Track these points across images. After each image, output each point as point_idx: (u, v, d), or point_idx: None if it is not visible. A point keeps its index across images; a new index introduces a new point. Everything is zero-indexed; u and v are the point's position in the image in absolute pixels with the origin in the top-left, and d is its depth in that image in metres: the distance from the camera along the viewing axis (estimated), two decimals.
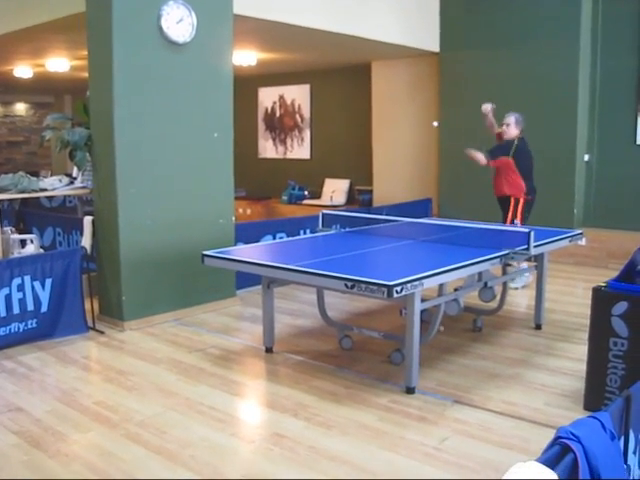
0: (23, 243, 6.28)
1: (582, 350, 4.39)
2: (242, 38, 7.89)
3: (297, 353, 5.17)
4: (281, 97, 13.03)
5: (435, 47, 9.71)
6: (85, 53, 5.91)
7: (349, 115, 11.93)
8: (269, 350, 5.17)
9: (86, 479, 3.26)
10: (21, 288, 5.22)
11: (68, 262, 5.53)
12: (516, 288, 7.06)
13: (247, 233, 7.03)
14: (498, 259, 4.79)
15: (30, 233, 7.03)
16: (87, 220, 5.99)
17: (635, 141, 8.59)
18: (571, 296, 7.00)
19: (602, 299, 3.91)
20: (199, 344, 5.42)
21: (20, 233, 6.75)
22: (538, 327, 5.75)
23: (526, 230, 4.98)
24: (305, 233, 7.66)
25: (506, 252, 4.83)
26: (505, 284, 5.84)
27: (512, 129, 6.96)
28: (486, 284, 5.36)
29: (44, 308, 5.39)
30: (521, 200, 7.00)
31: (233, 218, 6.59)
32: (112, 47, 5.48)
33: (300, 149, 12.78)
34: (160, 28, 5.72)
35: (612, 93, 8.77)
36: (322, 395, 4.32)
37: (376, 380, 4.58)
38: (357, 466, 3.39)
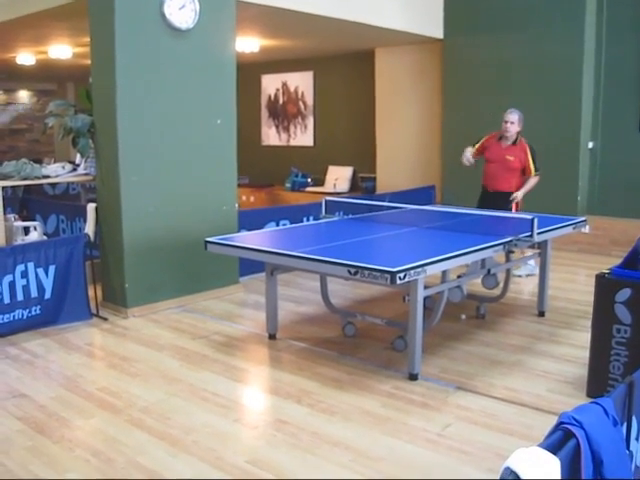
0: (26, 230, 6.29)
1: (585, 337, 4.39)
2: (245, 25, 7.86)
3: (300, 340, 5.18)
4: (284, 84, 12.99)
5: (439, 33, 9.66)
6: (88, 40, 5.90)
7: (352, 102, 11.89)
8: (272, 337, 5.18)
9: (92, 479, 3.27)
10: (25, 275, 5.24)
11: (71, 249, 5.54)
12: (520, 276, 7.06)
13: (250, 220, 7.03)
14: (501, 246, 4.78)
15: (33, 220, 7.04)
16: (90, 207, 5.99)
17: (639, 128, 8.55)
18: (574, 283, 6.99)
19: (605, 286, 3.90)
20: (202, 331, 5.43)
21: (23, 220, 6.76)
22: (541, 314, 5.75)
23: (529, 217, 4.97)
24: (308, 220, 7.65)
25: (509, 239, 4.83)
26: (508, 271, 5.84)
27: (515, 127, 6.87)
28: (489, 271, 5.35)
29: (48, 295, 5.40)
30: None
31: (236, 205, 6.59)
32: (114, 34, 5.46)
33: (303, 136, 12.75)
34: (163, 14, 5.70)
35: (617, 79, 8.73)
36: (325, 381, 4.33)
37: (379, 367, 4.59)
38: (360, 452, 3.40)
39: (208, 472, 3.22)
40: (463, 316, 5.63)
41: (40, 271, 5.33)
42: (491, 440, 3.51)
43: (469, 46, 9.46)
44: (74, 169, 6.42)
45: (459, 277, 5.14)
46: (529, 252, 6.31)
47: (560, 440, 1.97)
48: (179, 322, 5.67)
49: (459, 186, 9.64)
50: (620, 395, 2.39)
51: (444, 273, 4.73)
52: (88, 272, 5.75)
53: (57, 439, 3.55)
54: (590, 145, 8.93)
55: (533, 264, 7.01)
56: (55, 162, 7.02)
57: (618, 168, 8.72)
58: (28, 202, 8.28)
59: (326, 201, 6.01)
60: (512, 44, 9.04)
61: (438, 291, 4.74)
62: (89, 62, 5.90)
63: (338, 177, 11.79)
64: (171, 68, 5.87)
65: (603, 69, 8.81)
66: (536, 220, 4.90)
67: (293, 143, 12.94)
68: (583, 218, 6.10)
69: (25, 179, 6.04)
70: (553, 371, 4.49)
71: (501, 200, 6.87)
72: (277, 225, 7.45)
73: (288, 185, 12.03)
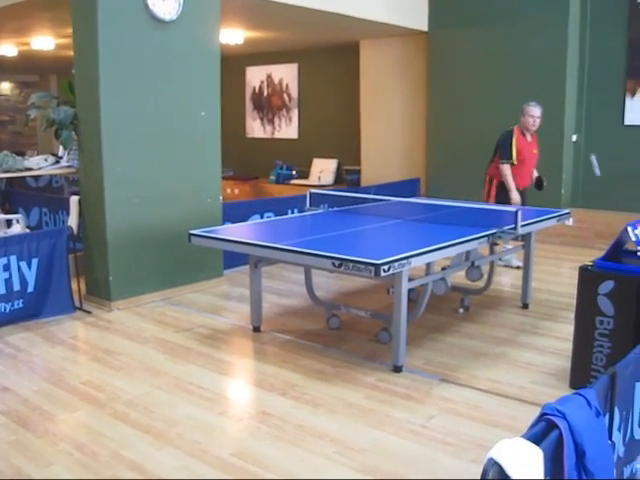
0: (9, 223, 6.25)
1: (568, 329, 4.42)
2: (229, 16, 7.82)
3: (285, 332, 5.18)
4: (269, 76, 12.96)
5: (423, 26, 9.66)
6: (70, 31, 5.85)
7: (337, 95, 11.88)
8: (257, 329, 5.17)
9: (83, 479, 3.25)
10: (7, 268, 5.20)
11: (54, 242, 5.50)
12: (518, 267, 6.88)
13: (235, 212, 7.01)
14: (485, 238, 4.80)
15: (16, 213, 6.99)
16: (73, 200, 5.95)
17: (623, 121, 8.60)
18: (558, 276, 7.03)
19: (588, 278, 3.93)
20: (187, 324, 5.42)
21: (6, 213, 6.73)
22: (525, 306, 5.78)
23: (513, 210, 4.99)
24: (293, 213, 7.64)
25: (493, 231, 4.84)
26: (492, 263, 5.86)
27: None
28: (473, 263, 5.37)
29: (30, 288, 5.37)
30: None
31: (220, 197, 6.56)
32: (97, 25, 5.41)
33: (288, 129, 12.73)
34: (146, 5, 5.66)
35: (601, 73, 8.77)
36: (309, 374, 4.33)
37: (363, 359, 4.60)
38: (344, 444, 3.40)
39: (193, 465, 3.21)
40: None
41: (23, 264, 5.30)
42: (475, 431, 3.52)
43: (454, 39, 9.47)
44: (57, 161, 6.37)
45: (443, 269, 5.16)
46: (509, 244, 6.33)
47: (543, 431, 1.98)
48: (163, 315, 5.65)
49: (444, 178, 9.67)
50: (603, 386, 2.40)
51: (428, 265, 4.73)
52: (71, 265, 5.72)
53: (40, 433, 3.54)
54: (574, 138, 8.96)
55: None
56: (38, 154, 6.97)
57: (602, 161, 8.75)
58: (10, 195, 8.21)
59: (310, 194, 6.01)
60: (496, 37, 9.06)
61: (422, 283, 4.75)
62: (72, 53, 5.85)
63: (323, 170, 11.79)
64: (154, 60, 5.84)
65: (587, 62, 8.85)
66: (520, 212, 4.91)
67: (278, 135, 12.92)
68: (567, 211, 6.13)
69: (7, 172, 5.99)
70: (536, 363, 4.52)
71: (526, 195, 6.96)
72: (261, 218, 7.44)
73: (273, 177, 12.02)
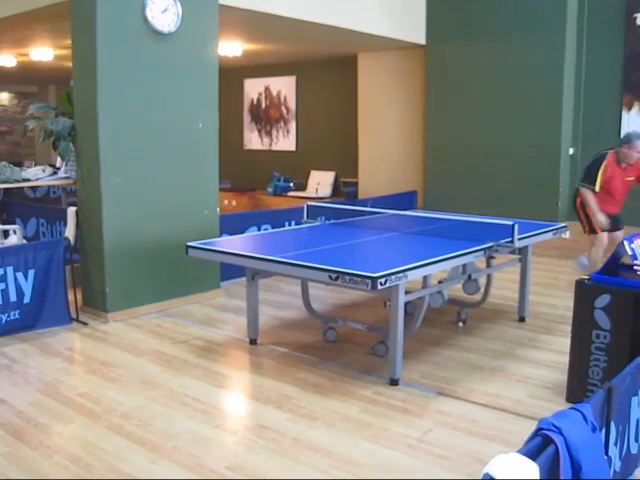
0: (6, 234, 6.24)
1: (565, 342, 4.41)
2: (228, 29, 7.85)
3: (281, 345, 5.17)
4: (267, 88, 12.99)
5: (421, 39, 9.71)
6: (69, 42, 5.86)
7: (335, 107, 11.91)
8: (253, 342, 5.16)
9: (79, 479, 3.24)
10: (4, 279, 5.19)
11: (51, 253, 5.50)
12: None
13: (232, 224, 7.02)
14: (482, 251, 4.80)
15: (13, 224, 6.99)
16: (71, 211, 5.95)
17: (619, 134, 8.62)
18: (555, 289, 7.03)
19: (585, 292, 3.93)
20: (183, 335, 5.41)
21: (3, 224, 6.72)
22: (522, 319, 5.78)
23: (510, 223, 5.00)
24: (290, 225, 7.64)
25: (490, 245, 4.85)
26: (489, 276, 5.86)
27: None
28: (470, 276, 5.37)
29: (27, 299, 5.35)
30: None
31: (218, 209, 6.57)
32: (96, 37, 5.43)
33: (285, 141, 12.76)
34: (145, 18, 5.68)
35: (597, 86, 8.81)
36: (306, 387, 4.32)
37: (360, 372, 4.59)
38: (340, 458, 3.39)
39: (189, 478, 3.20)
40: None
41: (19, 275, 5.28)
42: (471, 445, 3.51)
43: (451, 53, 9.51)
44: (55, 172, 6.38)
45: (440, 282, 5.16)
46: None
47: (539, 446, 1.98)
48: (160, 327, 5.64)
49: (441, 191, 9.69)
50: (599, 401, 2.40)
51: (425, 278, 4.74)
52: (68, 276, 5.71)
53: (35, 445, 3.52)
54: (571, 151, 9.00)
55: (585, 262, 6.94)
56: (36, 165, 6.99)
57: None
58: (8, 205, 8.21)
59: (308, 206, 6.02)
60: (494, 51, 9.10)
61: (419, 296, 4.75)
62: (71, 64, 5.87)
63: (320, 182, 11.81)
64: (153, 71, 5.85)
65: (584, 76, 8.89)
66: (517, 226, 4.92)
67: (275, 147, 12.94)
68: (564, 224, 6.14)
69: (5, 182, 5.99)
70: (533, 376, 4.51)
71: (620, 220, 6.75)
72: (259, 230, 7.43)
73: (270, 189, 12.03)
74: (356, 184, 11.24)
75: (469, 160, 9.36)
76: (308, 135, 12.38)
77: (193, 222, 6.24)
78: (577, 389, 3.96)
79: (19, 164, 7.43)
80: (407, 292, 4.41)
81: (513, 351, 5.03)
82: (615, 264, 4.09)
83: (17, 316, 5.29)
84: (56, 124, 5.88)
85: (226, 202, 11.66)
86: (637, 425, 2.95)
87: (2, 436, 3.61)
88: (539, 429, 2.03)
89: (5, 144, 15.74)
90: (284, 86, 12.68)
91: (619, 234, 6.55)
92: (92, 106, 5.55)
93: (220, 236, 6.41)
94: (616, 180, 6.51)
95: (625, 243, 3.98)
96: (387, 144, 10.73)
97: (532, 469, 1.81)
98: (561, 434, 2.00)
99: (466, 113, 9.42)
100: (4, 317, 5.20)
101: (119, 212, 5.74)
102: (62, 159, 6.19)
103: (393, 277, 3.93)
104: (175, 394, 4.21)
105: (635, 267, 3.91)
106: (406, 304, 4.44)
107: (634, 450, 2.93)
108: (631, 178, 6.58)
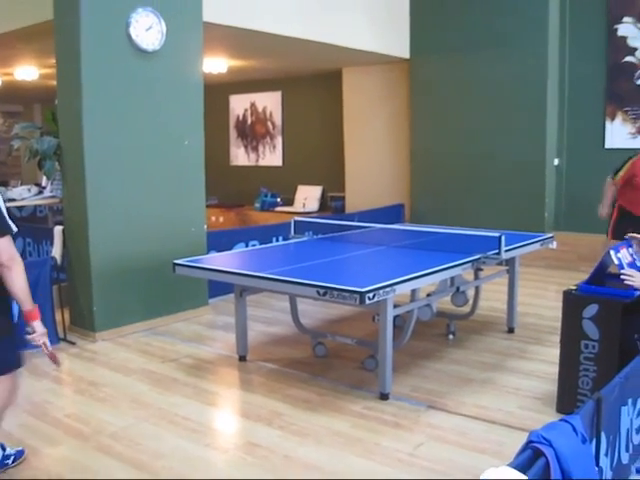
0: None
1: (554, 353, 4.41)
2: (212, 45, 7.86)
3: (271, 361, 5.15)
4: (252, 104, 13.01)
5: (405, 53, 9.75)
6: (54, 61, 5.86)
7: (321, 122, 11.94)
8: (242, 359, 5.15)
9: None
10: None
11: (38, 272, 5.45)
12: None
13: (219, 241, 6.99)
14: (470, 264, 4.81)
15: None
16: (57, 230, 5.92)
17: (604, 145, 8.68)
18: (543, 299, 7.05)
19: (573, 302, 3.94)
20: (172, 354, 5.38)
21: None
22: (511, 330, 5.79)
23: (497, 235, 5.01)
24: (278, 240, 7.63)
25: (477, 257, 4.86)
26: (477, 288, 5.87)
27: None
28: (458, 289, 5.38)
29: (14, 319, 5.30)
30: None
31: (205, 226, 6.56)
32: (80, 55, 5.43)
33: (272, 156, 12.77)
34: (129, 36, 5.68)
35: (581, 98, 8.87)
36: (296, 403, 4.30)
37: (350, 387, 4.58)
38: (332, 474, 3.38)
39: None
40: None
41: None
42: (462, 459, 3.51)
43: (436, 66, 9.56)
44: (40, 192, 6.36)
45: (429, 295, 5.16)
46: None
47: (530, 459, 1.98)
48: (148, 345, 5.61)
49: (428, 204, 9.72)
50: (588, 411, 2.40)
51: (413, 292, 4.74)
52: (55, 296, 5.67)
53: (24, 467, 3.48)
54: (556, 162, 9.04)
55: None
56: (22, 184, 6.96)
57: (584, 184, 8.81)
58: None
59: (295, 221, 6.01)
60: (478, 63, 9.15)
61: (408, 310, 4.75)
62: (55, 83, 5.86)
63: (307, 196, 11.81)
64: (138, 89, 5.85)
65: (567, 87, 8.95)
66: (503, 237, 4.94)
67: (262, 163, 12.95)
68: (550, 235, 6.16)
69: None
70: (523, 387, 4.51)
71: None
72: (246, 246, 7.42)
73: (257, 205, 12.03)
74: (343, 198, 11.25)
75: (455, 173, 9.39)
76: (294, 150, 12.40)
77: (180, 239, 6.22)
78: (567, 399, 3.96)
79: (5, 183, 7.40)
80: (396, 306, 4.41)
81: (503, 362, 5.04)
82: (602, 274, 4.10)
83: None
84: (41, 143, 5.86)
85: (213, 218, 11.63)
86: (627, 435, 2.95)
87: None
88: (529, 442, 2.03)
89: None
90: (270, 102, 12.71)
91: None
92: (77, 125, 5.54)
93: (207, 253, 6.40)
94: None
95: (611, 253, 3.99)
96: (374, 158, 10.75)
97: None
98: (551, 446, 2.00)
99: (452, 126, 9.47)
100: None
101: (105, 230, 5.72)
102: (48, 178, 6.17)
103: (381, 291, 3.93)
104: (165, 413, 4.18)
105: (622, 277, 3.92)
106: (395, 318, 4.44)
107: (625, 460, 2.93)
108: None
